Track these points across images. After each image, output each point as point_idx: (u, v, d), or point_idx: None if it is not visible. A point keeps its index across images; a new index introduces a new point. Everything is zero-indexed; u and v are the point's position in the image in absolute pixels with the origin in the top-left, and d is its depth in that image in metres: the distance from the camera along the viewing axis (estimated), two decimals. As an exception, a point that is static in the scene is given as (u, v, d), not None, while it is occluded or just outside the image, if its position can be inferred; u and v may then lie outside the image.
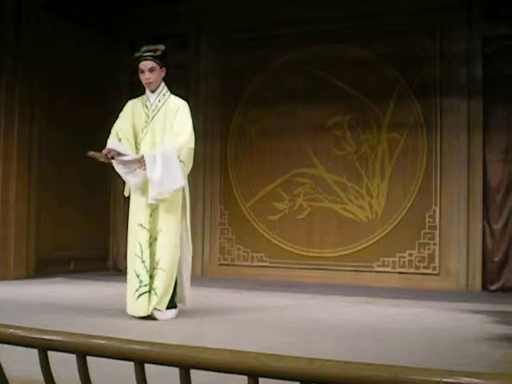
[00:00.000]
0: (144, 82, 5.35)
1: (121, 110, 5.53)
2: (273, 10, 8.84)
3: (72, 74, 8.97)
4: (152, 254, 5.11)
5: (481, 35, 7.94)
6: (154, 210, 5.15)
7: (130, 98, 5.61)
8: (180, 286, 5.33)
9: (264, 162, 8.97)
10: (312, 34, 8.71)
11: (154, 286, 5.08)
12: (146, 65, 5.31)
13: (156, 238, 5.14)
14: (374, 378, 1.28)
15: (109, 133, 5.41)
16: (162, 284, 5.09)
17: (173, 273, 5.16)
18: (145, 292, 5.07)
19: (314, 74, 8.72)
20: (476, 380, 1.25)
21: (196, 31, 9.41)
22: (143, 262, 5.09)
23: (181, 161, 5.10)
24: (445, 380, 1.26)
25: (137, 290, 5.07)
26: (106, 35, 9.62)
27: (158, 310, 5.09)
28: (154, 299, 5.07)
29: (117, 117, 5.49)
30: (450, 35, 8.14)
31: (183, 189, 5.26)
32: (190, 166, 5.28)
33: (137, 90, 5.81)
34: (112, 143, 5.26)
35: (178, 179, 5.09)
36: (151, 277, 5.09)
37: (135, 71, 5.51)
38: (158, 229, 5.14)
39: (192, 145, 5.21)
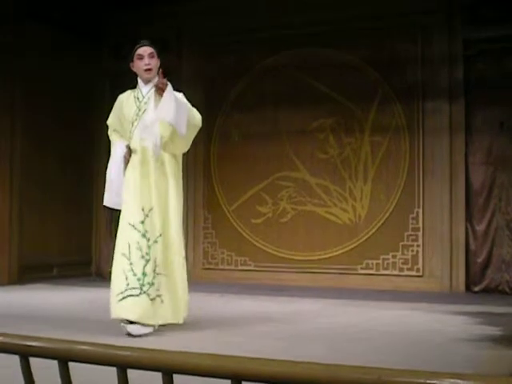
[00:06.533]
0: (143, 68, 4.95)
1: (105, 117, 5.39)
2: (255, 15, 8.85)
3: (52, 83, 8.83)
4: (145, 257, 4.71)
5: (461, 38, 8.00)
6: (149, 211, 4.80)
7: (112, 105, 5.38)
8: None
9: (247, 165, 8.96)
10: (294, 38, 8.72)
11: (159, 292, 4.73)
12: (145, 50, 4.98)
13: (156, 241, 4.77)
14: (358, 380, 1.27)
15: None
16: (168, 291, 4.77)
17: (177, 276, 4.87)
18: (130, 295, 4.63)
19: (296, 78, 8.73)
20: (460, 381, 1.24)
21: (178, 35, 9.39)
22: (131, 263, 4.69)
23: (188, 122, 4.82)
24: (429, 381, 1.26)
25: (121, 293, 4.64)
26: (87, 41, 9.49)
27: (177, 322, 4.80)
28: (162, 308, 4.75)
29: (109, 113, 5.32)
30: (431, 38, 8.19)
31: (180, 190, 5.05)
32: (189, 142, 5.04)
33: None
34: (121, 148, 5.03)
35: (184, 127, 4.76)
36: (151, 283, 4.70)
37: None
38: (157, 232, 4.79)
39: (198, 125, 4.99)
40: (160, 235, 4.79)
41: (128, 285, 4.66)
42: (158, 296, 4.74)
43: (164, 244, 4.81)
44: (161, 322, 4.81)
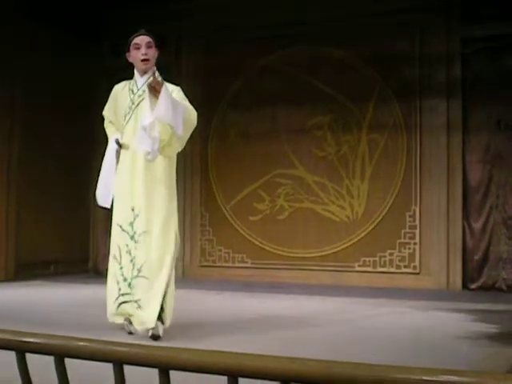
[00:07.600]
0: (140, 58, 4.64)
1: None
2: (253, 13, 8.83)
3: (52, 83, 8.79)
4: (133, 260, 4.47)
5: (459, 36, 8.00)
6: (140, 211, 4.47)
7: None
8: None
9: (244, 163, 8.96)
10: (292, 36, 8.71)
11: (136, 297, 4.42)
12: (142, 39, 4.66)
13: (137, 241, 4.46)
14: (354, 377, 1.28)
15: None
16: (145, 295, 4.39)
17: (159, 281, 4.42)
18: (123, 302, 4.48)
19: (294, 76, 8.73)
20: (456, 378, 1.25)
21: (176, 33, 9.38)
22: (121, 268, 4.49)
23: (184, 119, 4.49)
24: (424, 378, 1.26)
25: (116, 299, 4.51)
26: (87, 41, 9.45)
27: (151, 328, 4.37)
28: (138, 314, 4.41)
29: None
30: (428, 36, 8.18)
31: (172, 189, 4.68)
32: (184, 142, 4.71)
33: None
34: (113, 143, 4.78)
35: (181, 127, 4.46)
36: (132, 286, 4.44)
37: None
38: (141, 230, 4.46)
39: (193, 124, 4.67)
40: (142, 233, 4.47)
41: (120, 290, 4.50)
42: (135, 301, 4.43)
43: (148, 243, 4.46)
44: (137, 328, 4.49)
